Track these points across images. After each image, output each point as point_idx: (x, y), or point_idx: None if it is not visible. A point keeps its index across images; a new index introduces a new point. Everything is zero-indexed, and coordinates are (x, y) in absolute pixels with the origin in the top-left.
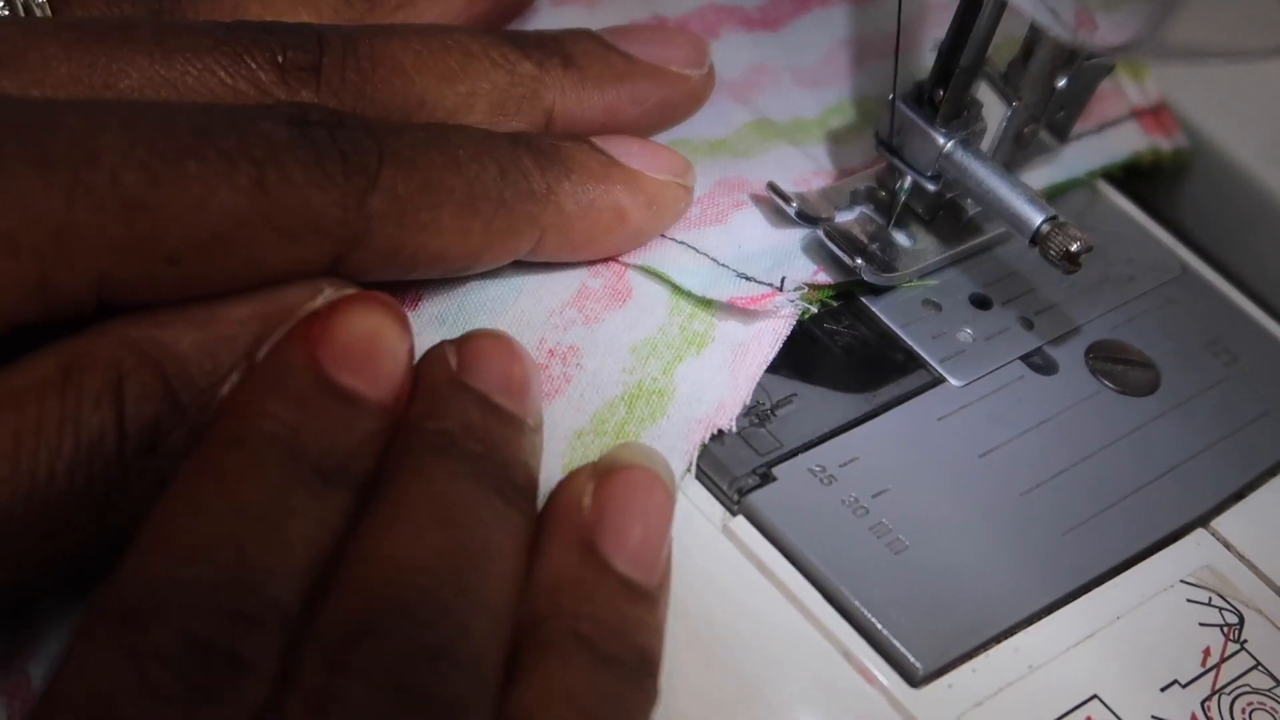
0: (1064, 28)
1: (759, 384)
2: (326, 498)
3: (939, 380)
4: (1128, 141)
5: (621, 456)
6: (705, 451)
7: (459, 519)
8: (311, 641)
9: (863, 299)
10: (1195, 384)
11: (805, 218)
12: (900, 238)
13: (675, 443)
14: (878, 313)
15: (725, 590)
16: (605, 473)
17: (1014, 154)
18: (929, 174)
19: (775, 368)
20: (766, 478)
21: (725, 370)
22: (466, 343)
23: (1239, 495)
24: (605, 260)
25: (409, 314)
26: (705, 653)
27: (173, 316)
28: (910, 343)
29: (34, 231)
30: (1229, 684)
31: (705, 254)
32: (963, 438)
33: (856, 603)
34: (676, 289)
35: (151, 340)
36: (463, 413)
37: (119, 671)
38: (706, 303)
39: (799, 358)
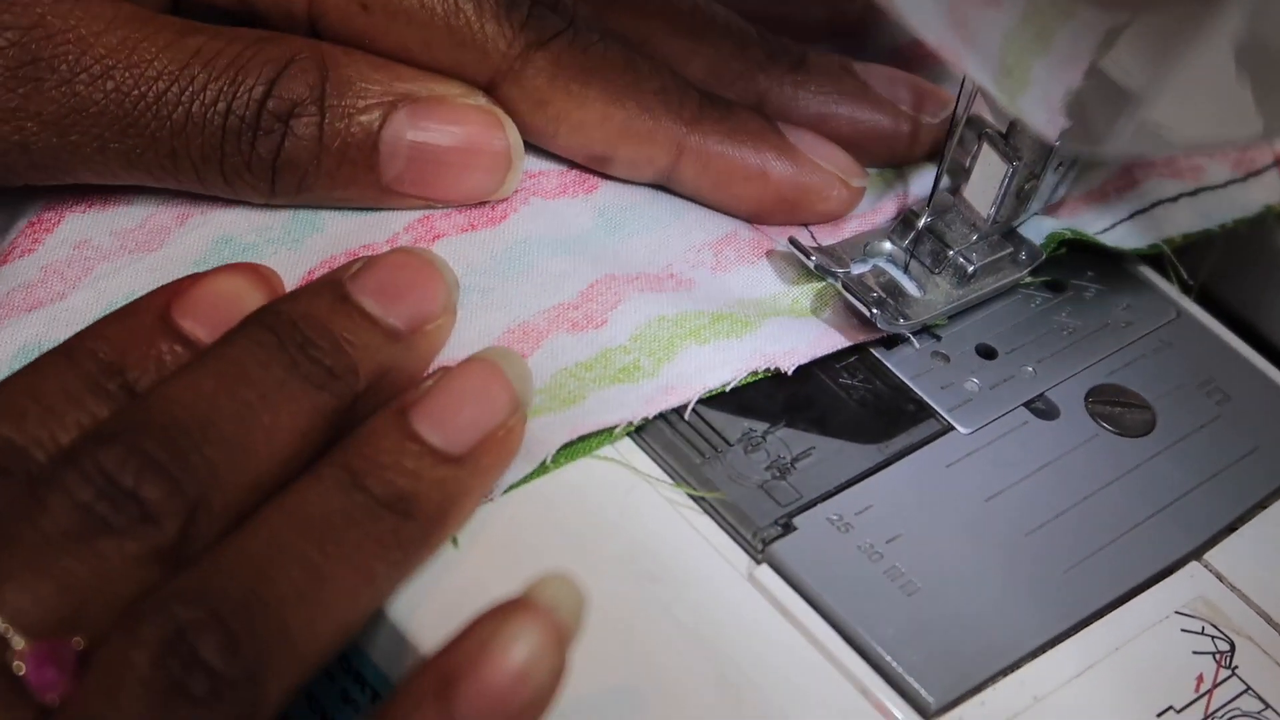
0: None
1: (780, 439)
2: (113, 398)
3: (948, 428)
4: (1265, 192)
5: (478, 353)
6: (728, 503)
7: (236, 374)
8: (63, 449)
9: (874, 352)
10: (1189, 423)
11: (824, 270)
12: (911, 288)
13: (733, 360)
14: (890, 366)
15: (751, 634)
16: (456, 364)
17: (1016, 209)
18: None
19: (795, 421)
20: (788, 528)
21: (811, 332)
22: (376, 255)
23: (1231, 528)
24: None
25: (582, 196)
26: (734, 692)
27: (358, 52)
28: (920, 393)
29: None
30: (1221, 708)
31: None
32: (970, 483)
33: (872, 642)
34: (807, 271)
35: (331, 53)
36: (311, 302)
37: None
38: (824, 291)
39: (818, 411)
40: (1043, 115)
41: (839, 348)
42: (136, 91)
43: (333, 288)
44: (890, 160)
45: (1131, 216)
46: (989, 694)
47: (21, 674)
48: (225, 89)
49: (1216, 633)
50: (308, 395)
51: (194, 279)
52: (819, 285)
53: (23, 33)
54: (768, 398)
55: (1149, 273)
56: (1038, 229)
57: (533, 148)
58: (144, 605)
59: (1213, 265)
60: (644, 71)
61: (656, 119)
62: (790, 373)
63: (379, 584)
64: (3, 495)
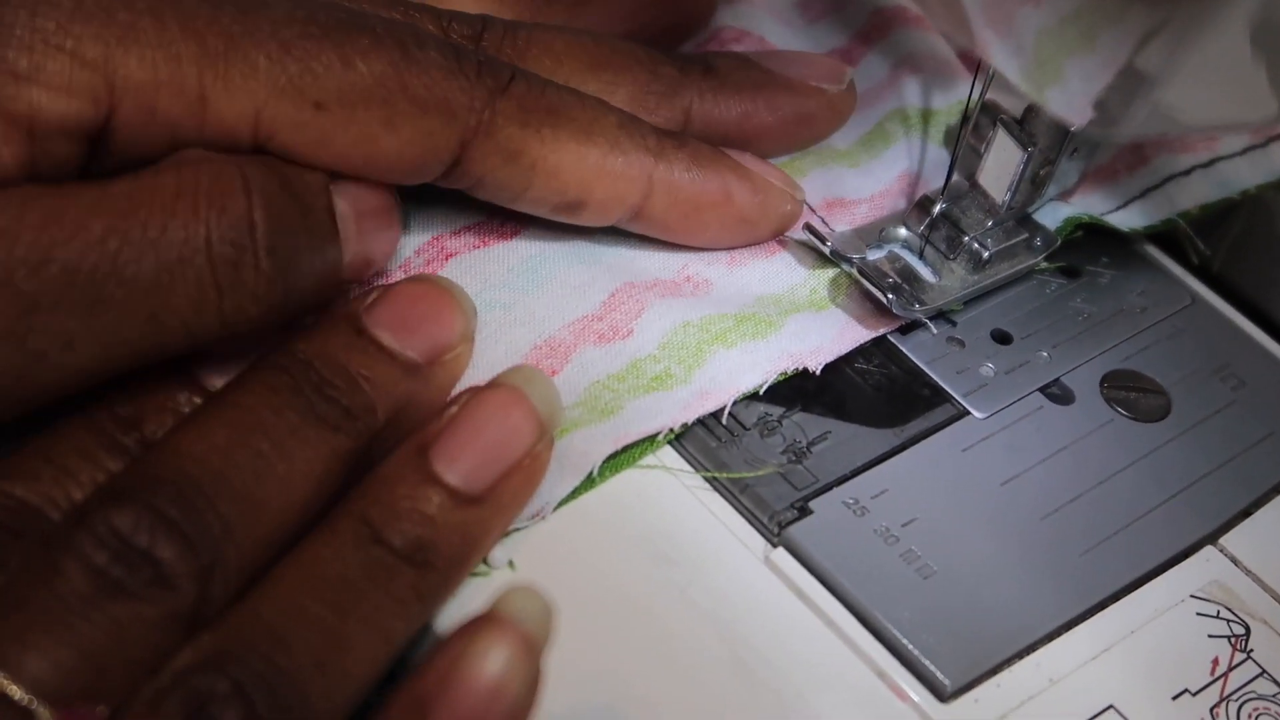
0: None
1: (795, 423)
2: (130, 453)
3: (963, 413)
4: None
5: (502, 376)
6: (745, 487)
7: (249, 423)
8: (77, 508)
9: (891, 338)
10: (1204, 409)
11: (839, 256)
12: (926, 273)
13: (762, 362)
14: (906, 351)
15: (767, 616)
16: (479, 388)
17: (1031, 195)
18: None
19: (810, 406)
20: (804, 511)
21: (834, 327)
22: (392, 283)
23: (1245, 513)
24: None
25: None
26: (749, 674)
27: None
28: (936, 378)
29: (198, 50)
30: (1236, 691)
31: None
32: (985, 467)
33: (888, 625)
34: (823, 257)
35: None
36: (327, 340)
37: None
38: (839, 279)
39: (833, 396)
40: (1069, 104)
41: (863, 341)
42: (87, 262)
43: (348, 322)
44: (814, 140)
45: (1143, 194)
46: (1004, 676)
47: None
48: (191, 220)
49: (1232, 616)
50: (324, 439)
51: None
52: (834, 273)
53: None
54: (784, 383)
55: (1164, 258)
56: (1054, 215)
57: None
58: (166, 678)
59: (1227, 251)
60: (599, 107)
61: (627, 154)
62: (818, 372)
63: (396, 642)
64: (17, 559)
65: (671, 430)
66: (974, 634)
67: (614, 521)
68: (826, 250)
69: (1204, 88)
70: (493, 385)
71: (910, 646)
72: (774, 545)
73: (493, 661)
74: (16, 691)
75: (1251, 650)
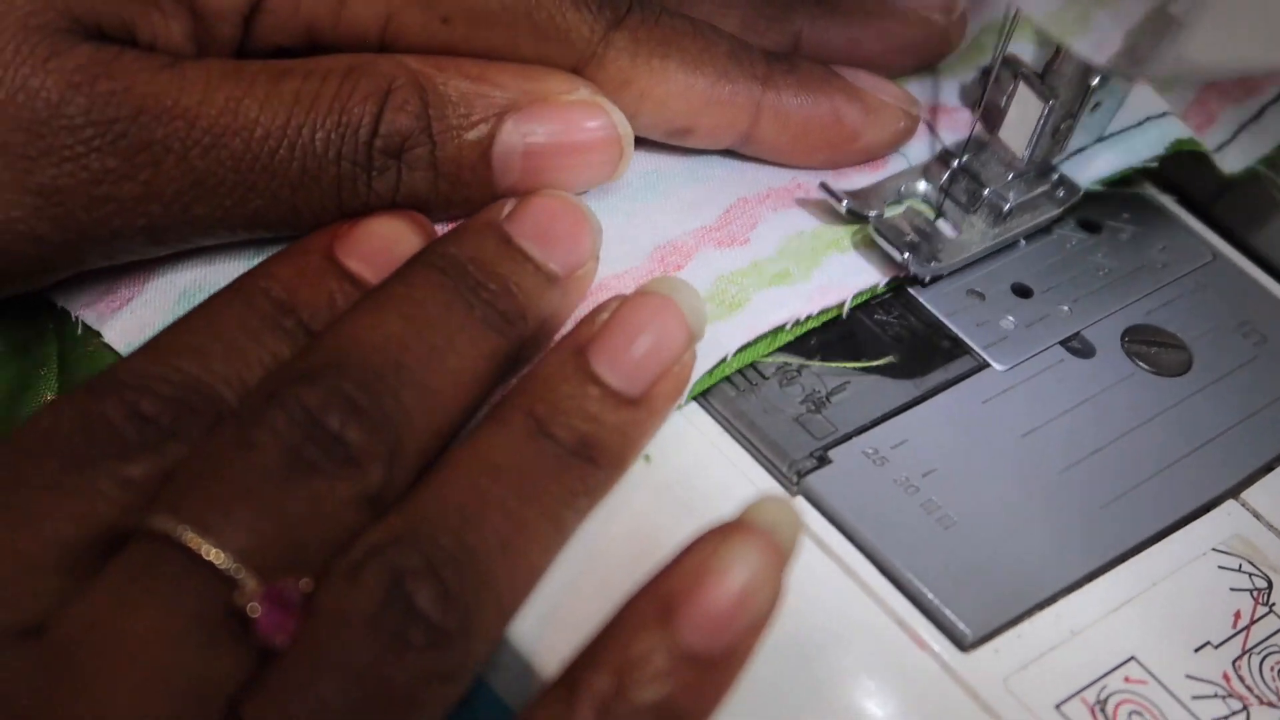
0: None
1: (814, 373)
2: (292, 335)
3: (983, 365)
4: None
5: (650, 285)
6: (764, 436)
7: (421, 317)
8: (257, 386)
9: (910, 290)
10: (1226, 364)
11: (855, 214)
12: (946, 229)
13: (877, 264)
14: (925, 303)
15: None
16: (629, 296)
17: (1051, 149)
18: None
19: (830, 357)
20: (823, 460)
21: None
22: (527, 195)
23: (1268, 468)
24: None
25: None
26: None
27: (449, 63)
28: (956, 330)
29: None
30: (1258, 644)
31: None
32: (1006, 419)
33: (909, 574)
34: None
35: (425, 73)
36: (478, 245)
37: (74, 424)
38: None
39: (852, 347)
40: (1096, 46)
41: (971, 257)
42: (249, 155)
43: (493, 229)
44: (921, 65)
45: (1241, 129)
46: (1025, 627)
47: (256, 615)
48: (332, 136)
49: (1254, 570)
50: (485, 339)
51: (353, 222)
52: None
53: (131, 121)
54: (803, 334)
55: (1185, 215)
56: (1163, 133)
57: None
58: (360, 553)
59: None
60: (711, 37)
61: (734, 82)
62: (928, 280)
63: (566, 532)
64: (201, 433)
65: (799, 322)
66: (995, 584)
67: (634, 470)
68: (842, 208)
69: (1232, 28)
70: (643, 292)
71: (931, 596)
72: (793, 494)
73: (742, 569)
74: (222, 558)
75: (1274, 604)
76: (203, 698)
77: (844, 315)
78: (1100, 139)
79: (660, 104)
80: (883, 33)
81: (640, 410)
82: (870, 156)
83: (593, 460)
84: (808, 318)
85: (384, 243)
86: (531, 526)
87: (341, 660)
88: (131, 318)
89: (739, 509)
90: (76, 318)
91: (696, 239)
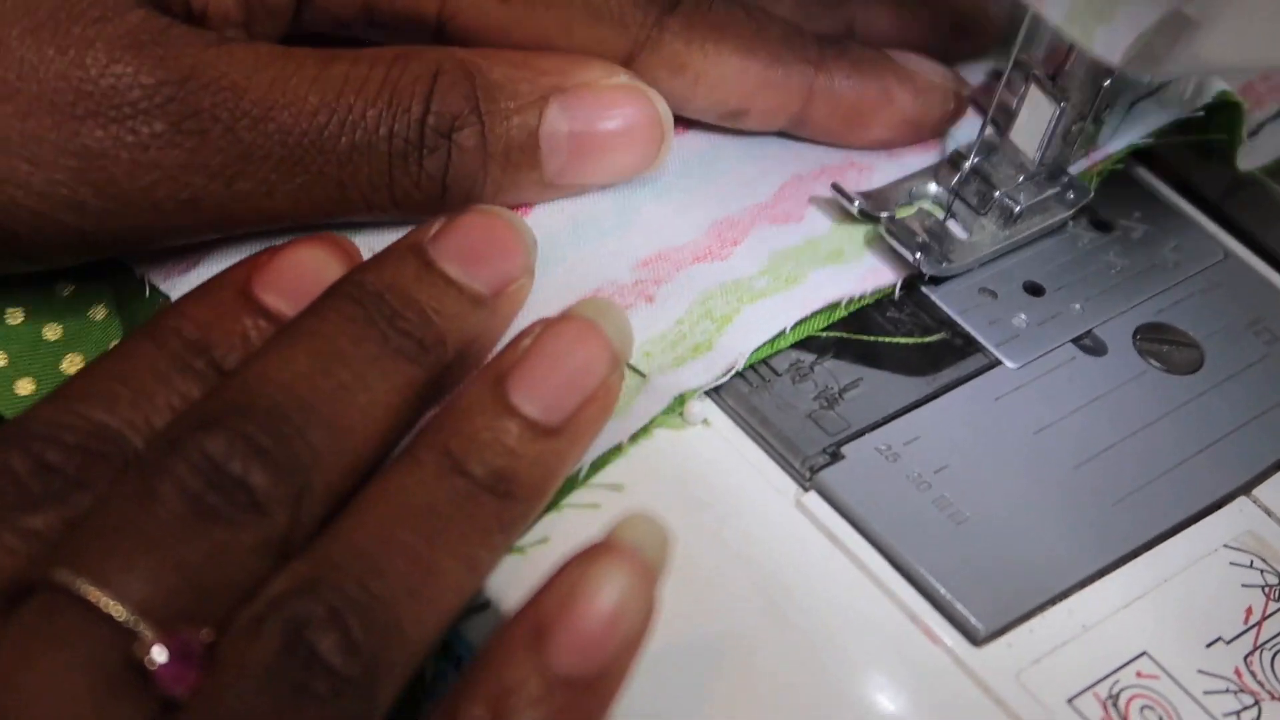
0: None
1: (827, 370)
2: (202, 376)
3: (995, 363)
4: None
5: (575, 308)
6: (777, 432)
7: (330, 352)
8: (162, 432)
9: (923, 289)
10: (1237, 362)
11: (867, 215)
12: (957, 230)
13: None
14: (937, 301)
15: (799, 560)
16: (552, 319)
17: (1063, 150)
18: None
19: (842, 354)
20: (836, 456)
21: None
22: (454, 214)
23: (1279, 465)
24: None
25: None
26: (782, 618)
27: (493, 52)
28: (968, 328)
29: None
30: (1270, 640)
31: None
32: (1018, 416)
33: (921, 569)
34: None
35: (471, 60)
36: (396, 272)
37: None
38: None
39: (865, 344)
40: (1111, 47)
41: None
42: (299, 129)
43: (415, 253)
44: (975, 51)
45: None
46: (1037, 622)
47: (155, 667)
48: (384, 113)
49: (1265, 566)
50: (400, 371)
51: (272, 252)
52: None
53: (179, 86)
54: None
55: (1197, 214)
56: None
57: None
58: (263, 604)
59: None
60: (763, 20)
61: (787, 65)
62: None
63: (481, 571)
64: (108, 483)
65: (853, 299)
66: (1006, 580)
67: (647, 465)
68: (854, 209)
69: (1248, 27)
70: (565, 317)
71: (943, 590)
72: (805, 489)
73: (611, 589)
74: (121, 611)
75: None
76: None
77: (895, 296)
78: (1143, 97)
79: (714, 87)
80: (935, 19)
81: (561, 439)
82: (921, 137)
83: (510, 495)
84: (861, 296)
85: (303, 273)
86: (440, 569)
87: (241, 712)
88: (198, 278)
89: (608, 530)
90: (142, 276)
91: (752, 215)
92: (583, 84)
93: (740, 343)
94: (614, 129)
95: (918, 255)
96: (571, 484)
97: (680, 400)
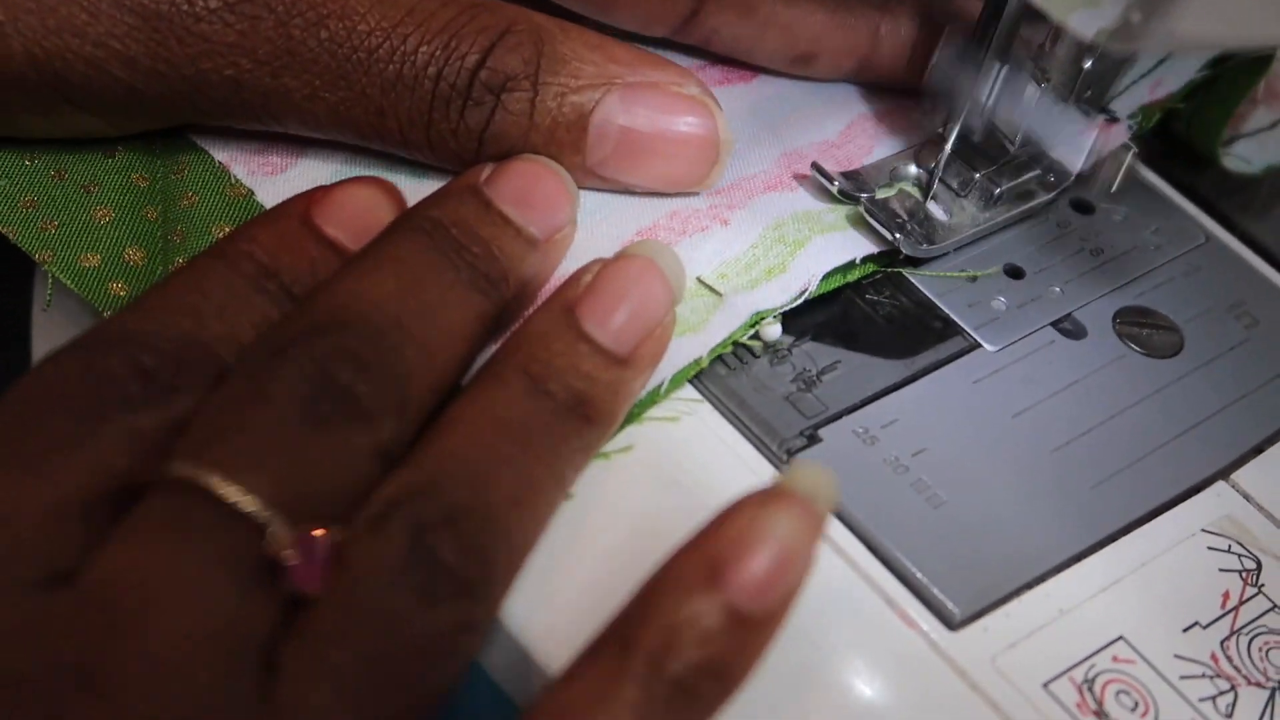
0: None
1: (805, 352)
2: (275, 299)
3: (974, 346)
4: None
5: (632, 248)
6: (755, 414)
7: (412, 275)
8: (260, 341)
9: (901, 269)
10: (1217, 346)
11: (847, 195)
12: (938, 212)
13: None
14: (916, 283)
15: None
16: (612, 259)
17: (1097, 88)
18: None
19: (820, 336)
20: (813, 439)
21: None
22: (505, 160)
23: (1258, 450)
24: None
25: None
26: None
27: (573, 27)
28: (947, 311)
29: None
30: (1247, 625)
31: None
32: (996, 399)
33: (898, 553)
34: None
35: (547, 28)
36: (458, 208)
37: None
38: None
39: (843, 326)
40: (1088, 22)
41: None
42: (350, 44)
43: (473, 193)
44: None
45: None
46: (1014, 606)
47: (291, 563)
48: (438, 53)
49: (1243, 550)
50: (471, 301)
51: (327, 188)
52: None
53: None
54: (794, 312)
55: (1178, 197)
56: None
57: None
58: (382, 505)
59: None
60: None
61: (854, 9)
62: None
63: (565, 487)
64: (202, 389)
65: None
66: (984, 563)
67: (621, 445)
68: (834, 189)
69: (1223, 2)
70: (625, 255)
71: (919, 575)
72: (782, 472)
73: (786, 533)
74: (255, 505)
75: (1263, 585)
76: (240, 640)
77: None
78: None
79: (784, 29)
80: None
81: (628, 370)
82: None
83: (587, 418)
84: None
85: (360, 208)
86: (538, 481)
87: (377, 611)
88: (288, 185)
89: (780, 475)
90: (221, 165)
91: (818, 152)
92: (650, 82)
93: (814, 265)
94: (668, 134)
95: (897, 236)
96: (654, 397)
97: (756, 319)
